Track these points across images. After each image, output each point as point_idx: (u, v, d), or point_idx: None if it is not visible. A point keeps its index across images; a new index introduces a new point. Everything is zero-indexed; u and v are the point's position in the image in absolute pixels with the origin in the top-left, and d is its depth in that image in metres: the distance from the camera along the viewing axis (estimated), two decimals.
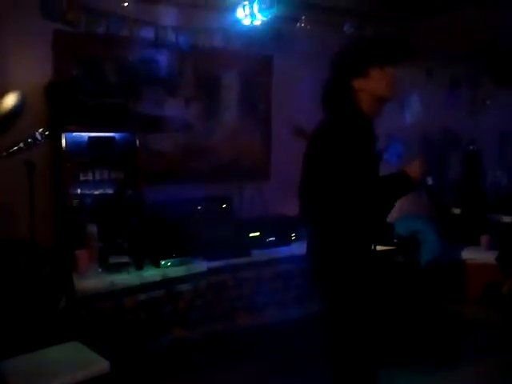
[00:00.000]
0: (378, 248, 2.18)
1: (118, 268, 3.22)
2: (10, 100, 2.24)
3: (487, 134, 4.80)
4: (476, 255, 4.27)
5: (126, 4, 3.49)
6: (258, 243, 3.83)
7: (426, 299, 3.97)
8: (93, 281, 3.08)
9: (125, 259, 3.28)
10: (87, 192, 3.45)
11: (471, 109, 4.97)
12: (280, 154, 4.37)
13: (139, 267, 3.27)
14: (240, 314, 3.47)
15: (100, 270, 3.21)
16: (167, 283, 3.24)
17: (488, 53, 4.30)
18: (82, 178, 3.42)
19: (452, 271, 4.25)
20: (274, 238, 3.92)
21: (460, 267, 4.27)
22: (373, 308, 2.07)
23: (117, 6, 3.52)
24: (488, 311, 3.93)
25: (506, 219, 4.44)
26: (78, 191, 3.41)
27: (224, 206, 3.87)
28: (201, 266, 3.42)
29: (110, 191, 3.49)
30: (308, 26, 3.90)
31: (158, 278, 3.23)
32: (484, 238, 4.36)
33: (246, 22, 3.65)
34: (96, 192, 3.47)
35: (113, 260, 3.25)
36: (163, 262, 3.33)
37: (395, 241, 4.12)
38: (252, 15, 3.60)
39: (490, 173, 4.81)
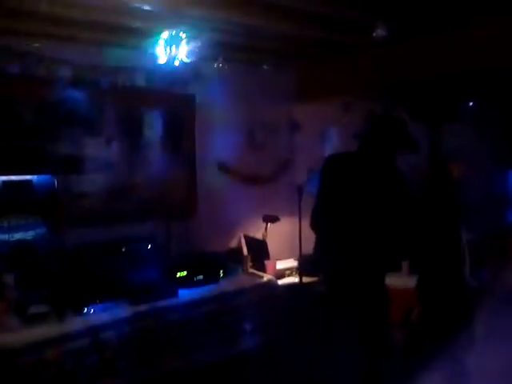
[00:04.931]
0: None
1: (38, 319, 3.08)
2: None
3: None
4: (397, 281, 4.42)
5: (37, 44, 3.44)
6: (186, 283, 3.78)
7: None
8: (11, 335, 2.92)
9: (44, 309, 3.13)
10: (2, 239, 3.30)
11: None
12: (206, 190, 4.39)
13: (60, 316, 3.14)
14: (167, 357, 3.40)
15: (18, 322, 3.04)
16: (91, 331, 3.12)
17: (399, 89, 4.56)
18: None
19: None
20: (201, 276, 3.89)
21: None
22: None
23: (32, 44, 3.47)
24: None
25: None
26: None
27: (149, 246, 3.80)
28: (126, 310, 3.33)
29: (27, 237, 3.36)
30: (226, 66, 3.99)
31: (80, 327, 3.09)
32: (404, 264, 4.54)
33: (163, 60, 3.64)
34: (12, 239, 3.34)
35: (32, 311, 3.11)
36: (85, 310, 3.22)
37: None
38: (172, 56, 3.61)
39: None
